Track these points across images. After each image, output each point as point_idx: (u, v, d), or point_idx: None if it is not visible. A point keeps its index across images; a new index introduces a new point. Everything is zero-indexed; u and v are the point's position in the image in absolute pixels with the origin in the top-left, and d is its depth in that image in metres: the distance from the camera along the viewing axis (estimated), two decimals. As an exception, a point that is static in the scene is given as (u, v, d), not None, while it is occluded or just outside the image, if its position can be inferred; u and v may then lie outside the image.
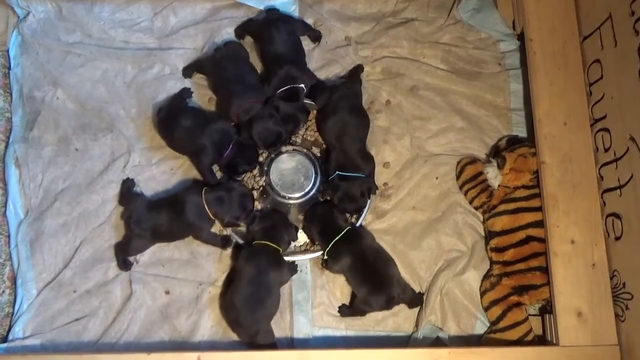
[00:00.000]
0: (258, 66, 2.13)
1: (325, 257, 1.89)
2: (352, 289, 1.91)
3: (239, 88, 1.96)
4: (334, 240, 1.87)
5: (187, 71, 2.12)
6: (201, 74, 2.12)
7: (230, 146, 1.91)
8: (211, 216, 1.86)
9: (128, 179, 2.00)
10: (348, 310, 1.93)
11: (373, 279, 1.84)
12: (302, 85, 2.00)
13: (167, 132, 1.99)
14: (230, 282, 1.89)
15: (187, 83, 2.12)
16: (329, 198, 1.99)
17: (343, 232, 1.88)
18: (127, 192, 1.97)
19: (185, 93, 2.06)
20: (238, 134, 1.96)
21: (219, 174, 2.00)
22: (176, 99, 2.04)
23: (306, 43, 2.17)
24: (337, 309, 1.94)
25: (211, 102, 2.11)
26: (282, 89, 1.98)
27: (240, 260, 1.84)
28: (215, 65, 2.04)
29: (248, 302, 1.79)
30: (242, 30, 2.15)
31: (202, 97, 2.12)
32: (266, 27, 2.05)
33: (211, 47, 2.14)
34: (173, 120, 1.95)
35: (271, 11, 2.11)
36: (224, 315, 1.88)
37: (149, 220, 1.86)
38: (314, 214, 1.95)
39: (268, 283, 1.81)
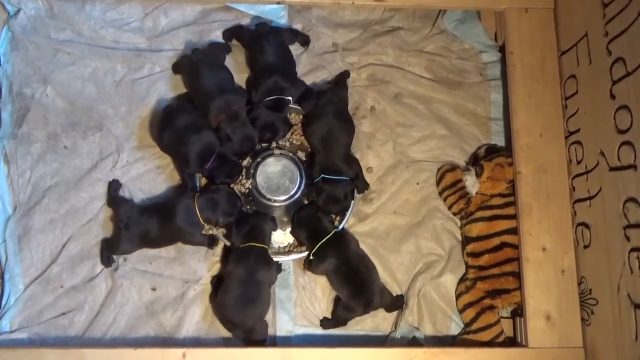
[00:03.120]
0: (244, 72, 2.20)
1: (311, 257, 1.97)
2: (335, 291, 2.00)
3: (218, 93, 1.99)
4: (321, 242, 1.95)
5: (175, 68, 2.17)
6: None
7: (213, 158, 1.95)
8: (202, 222, 1.93)
9: (114, 180, 2.04)
10: (330, 322, 2.01)
11: (355, 283, 1.93)
12: (289, 98, 2.06)
13: (159, 131, 2.04)
14: (218, 284, 1.95)
15: (175, 85, 2.18)
16: (313, 200, 2.06)
17: (330, 235, 1.97)
18: (114, 194, 2.02)
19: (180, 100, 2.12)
20: (220, 141, 2.01)
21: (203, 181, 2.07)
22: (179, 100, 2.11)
23: (295, 48, 2.23)
24: (319, 323, 2.02)
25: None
26: (268, 98, 2.04)
27: (230, 264, 1.92)
28: (191, 68, 2.07)
29: (240, 302, 1.86)
30: (231, 34, 2.21)
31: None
32: (257, 39, 2.12)
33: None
34: (167, 120, 2.01)
35: (261, 25, 2.16)
36: (217, 315, 1.95)
37: (139, 226, 1.91)
38: (300, 219, 2.02)
39: (259, 282, 1.88)
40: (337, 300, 2.03)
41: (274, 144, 2.15)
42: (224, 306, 1.90)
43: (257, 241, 1.94)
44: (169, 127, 2.00)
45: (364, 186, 2.10)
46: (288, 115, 2.16)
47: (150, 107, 2.16)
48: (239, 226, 1.96)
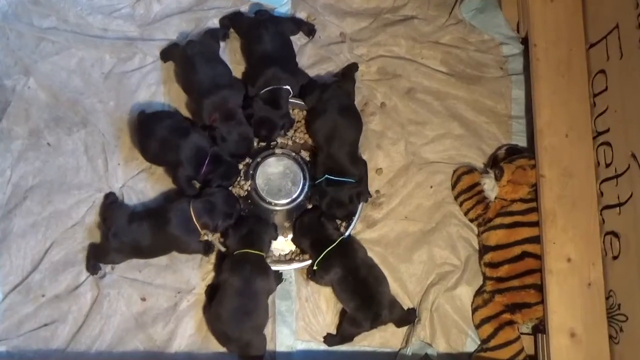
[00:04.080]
0: (240, 63, 2.16)
1: (315, 267, 1.93)
2: (341, 303, 1.96)
3: (214, 89, 1.97)
4: (326, 251, 1.91)
5: (163, 56, 2.14)
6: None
7: (207, 161, 1.92)
8: (199, 228, 1.89)
9: (110, 193, 2.02)
10: (335, 338, 1.98)
11: (362, 295, 1.89)
12: (288, 87, 2.02)
13: (142, 142, 2.00)
14: (213, 294, 1.92)
15: (167, 77, 2.14)
16: (316, 204, 2.02)
17: (335, 243, 1.92)
18: (108, 202, 1.99)
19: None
20: (214, 141, 1.97)
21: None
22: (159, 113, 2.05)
23: (298, 37, 2.20)
24: (323, 339, 1.99)
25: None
26: (265, 89, 2.00)
27: (225, 273, 1.88)
28: (186, 62, 2.04)
29: (236, 314, 1.83)
30: (229, 21, 2.17)
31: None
32: (255, 26, 2.08)
33: (192, 37, 2.14)
34: (148, 131, 1.96)
35: (261, 12, 2.14)
36: (211, 328, 1.92)
37: (129, 234, 1.88)
38: (302, 225, 1.98)
39: (255, 293, 1.85)
40: (343, 314, 1.99)
41: (273, 143, 2.11)
42: (219, 319, 1.86)
43: (254, 248, 1.90)
44: (151, 136, 1.95)
45: (365, 194, 2.04)
46: (290, 111, 2.11)
47: (142, 102, 2.13)
48: (237, 229, 1.93)
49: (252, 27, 2.10)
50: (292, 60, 2.12)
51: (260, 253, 1.91)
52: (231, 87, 2.02)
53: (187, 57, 2.03)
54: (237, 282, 1.85)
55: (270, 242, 1.97)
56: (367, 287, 1.90)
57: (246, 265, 1.87)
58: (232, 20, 2.18)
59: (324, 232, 1.95)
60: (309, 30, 2.22)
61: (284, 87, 2.02)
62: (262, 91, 2.01)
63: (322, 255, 1.91)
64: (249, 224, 1.94)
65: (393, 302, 1.96)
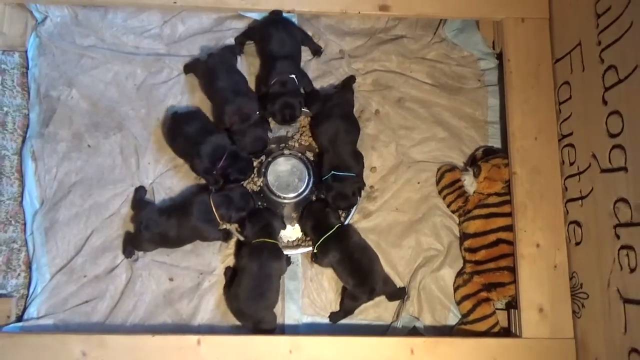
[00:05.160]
0: (255, 68, 2.18)
1: (315, 251, 1.95)
2: (341, 282, 1.98)
3: (232, 95, 1.99)
4: (324, 237, 1.94)
5: (187, 69, 2.16)
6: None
7: (224, 157, 1.94)
8: (218, 218, 1.91)
9: (140, 187, 2.04)
10: (338, 314, 2.00)
11: (359, 273, 1.92)
12: (293, 76, 2.03)
13: (171, 138, 2.03)
14: (232, 276, 1.95)
15: (192, 88, 2.16)
16: (323, 196, 2.04)
17: (333, 230, 1.95)
18: (139, 197, 2.01)
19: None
20: (232, 140, 2.00)
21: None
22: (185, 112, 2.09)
23: (304, 54, 2.21)
24: (329, 317, 2.00)
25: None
26: (275, 81, 2.02)
27: (244, 259, 1.90)
28: (208, 72, 2.06)
29: (252, 295, 1.86)
30: (243, 36, 2.18)
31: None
32: (268, 24, 2.09)
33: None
34: (177, 127, 2.00)
35: (275, 11, 2.12)
36: (229, 306, 1.94)
37: (158, 226, 1.90)
38: (309, 211, 2.01)
39: (270, 275, 1.88)
40: (344, 292, 2.01)
41: (282, 144, 2.13)
42: (237, 298, 1.89)
43: (270, 237, 1.92)
44: (180, 133, 1.98)
45: (362, 184, 2.05)
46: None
47: (168, 109, 2.16)
48: (253, 222, 1.94)
49: (265, 25, 2.10)
50: (299, 58, 2.12)
51: (275, 242, 1.93)
52: (247, 95, 2.04)
53: (209, 68, 2.05)
54: (254, 267, 1.87)
55: (279, 232, 1.99)
56: (362, 266, 1.92)
57: (263, 252, 1.89)
58: (246, 33, 2.18)
59: (326, 219, 1.97)
60: (315, 50, 2.22)
61: (290, 76, 2.03)
62: (274, 81, 2.02)
63: (320, 240, 1.94)
64: (265, 218, 1.95)
65: (386, 279, 1.99)
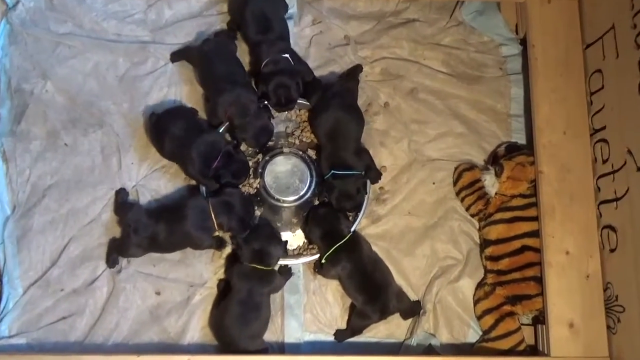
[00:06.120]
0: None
1: (324, 261, 1.94)
2: (349, 297, 1.97)
3: (229, 86, 1.99)
4: (336, 246, 1.91)
5: (175, 57, 2.16)
6: (190, 64, 2.16)
7: (219, 158, 1.93)
8: (216, 227, 1.90)
9: (121, 189, 2.04)
10: (345, 333, 1.99)
11: (370, 289, 1.90)
12: (287, 55, 2.04)
13: (157, 141, 2.02)
14: (224, 291, 1.95)
15: (179, 79, 2.16)
16: (326, 200, 2.02)
17: (345, 239, 1.92)
18: (122, 201, 2.01)
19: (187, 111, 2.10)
20: (233, 138, 2.01)
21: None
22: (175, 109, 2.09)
23: (304, 42, 2.22)
24: (334, 335, 1.99)
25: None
26: (267, 62, 2.03)
27: (234, 276, 1.90)
28: (203, 59, 2.06)
29: (236, 323, 1.86)
30: (232, 21, 2.19)
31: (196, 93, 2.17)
32: (243, 4, 2.11)
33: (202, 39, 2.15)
34: (164, 129, 1.99)
35: None
36: (212, 330, 1.95)
37: (147, 229, 1.89)
38: (317, 216, 1.98)
39: (258, 304, 1.88)
40: (352, 308, 2.00)
41: (281, 141, 2.13)
42: (220, 325, 1.90)
43: (263, 264, 1.90)
44: (167, 134, 1.97)
45: (377, 176, 2.05)
46: (297, 111, 2.15)
47: (154, 104, 2.15)
48: (249, 243, 1.91)
49: (240, 5, 2.12)
50: (287, 37, 2.14)
51: (269, 269, 1.91)
52: (246, 86, 2.04)
53: (204, 54, 2.05)
54: (242, 291, 1.87)
55: (278, 260, 1.94)
56: (374, 281, 1.91)
57: (253, 278, 1.88)
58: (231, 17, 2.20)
59: (337, 226, 1.95)
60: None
61: (283, 55, 2.04)
62: (264, 64, 2.02)
63: (331, 250, 1.92)
64: (262, 238, 1.92)
65: (400, 294, 1.98)
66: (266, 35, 2.07)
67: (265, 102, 2.04)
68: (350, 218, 2.05)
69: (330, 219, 1.97)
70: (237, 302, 1.86)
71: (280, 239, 1.97)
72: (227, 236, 2.01)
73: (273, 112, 2.09)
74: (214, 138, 1.97)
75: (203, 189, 2.00)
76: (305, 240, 2.07)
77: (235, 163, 1.98)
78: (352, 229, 2.01)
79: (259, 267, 1.89)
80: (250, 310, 1.86)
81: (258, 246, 1.90)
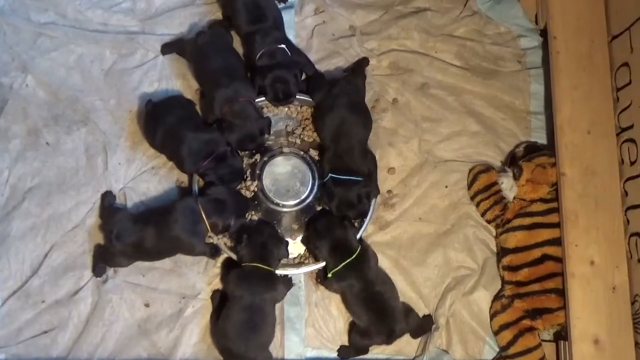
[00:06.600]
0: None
1: (330, 275, 1.91)
2: (351, 315, 1.94)
3: (226, 80, 1.99)
4: (346, 262, 1.88)
5: (166, 49, 2.16)
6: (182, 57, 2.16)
7: (210, 158, 1.93)
8: (209, 228, 1.88)
9: (107, 192, 2.03)
10: (349, 351, 1.97)
11: (376, 310, 1.88)
12: (283, 46, 2.04)
13: (150, 129, 2.01)
14: (221, 303, 1.92)
15: (171, 73, 2.15)
16: (326, 207, 2.01)
17: (356, 255, 1.89)
18: (107, 204, 1.99)
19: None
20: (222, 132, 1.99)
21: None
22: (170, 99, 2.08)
23: (305, 33, 2.21)
24: (337, 352, 1.98)
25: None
26: (263, 52, 2.02)
27: (231, 284, 1.88)
28: (197, 53, 2.06)
29: (242, 331, 1.83)
30: (225, 18, 2.19)
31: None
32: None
33: (196, 31, 2.14)
34: (159, 117, 1.98)
35: None
36: (215, 343, 1.92)
37: (132, 235, 1.87)
38: (324, 226, 1.94)
39: (263, 306, 1.85)
40: (352, 325, 1.98)
41: (281, 140, 2.12)
42: (225, 335, 1.86)
43: (264, 263, 1.88)
44: (162, 123, 1.97)
45: (374, 190, 2.02)
46: (298, 108, 2.14)
47: (143, 99, 2.12)
48: (251, 237, 1.90)
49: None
50: (281, 25, 2.14)
51: (269, 268, 1.90)
52: (245, 81, 2.03)
53: (198, 49, 2.05)
54: (244, 296, 1.84)
55: (279, 260, 1.94)
56: (384, 302, 1.89)
57: (254, 280, 1.86)
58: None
59: (346, 239, 1.92)
60: None
61: (278, 46, 2.03)
62: (259, 56, 2.02)
63: (341, 266, 1.88)
64: (264, 236, 1.91)
65: (408, 312, 1.96)
66: (259, 24, 2.07)
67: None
68: (356, 224, 2.03)
69: (337, 230, 1.93)
70: (241, 309, 1.84)
71: (282, 239, 1.96)
72: (222, 243, 1.99)
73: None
74: (210, 136, 1.96)
75: (195, 188, 1.99)
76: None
77: (225, 167, 1.96)
78: (358, 236, 1.99)
79: (260, 266, 1.86)
80: (256, 315, 1.84)
81: (260, 244, 1.89)
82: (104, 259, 1.95)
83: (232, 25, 2.16)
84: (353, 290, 1.89)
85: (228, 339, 1.85)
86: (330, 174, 1.96)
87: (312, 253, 2.01)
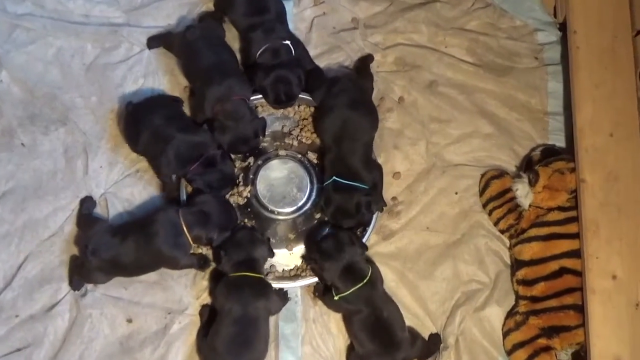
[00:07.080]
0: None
1: (336, 298, 1.88)
2: (353, 340, 1.92)
3: (218, 77, 1.98)
4: (357, 287, 1.84)
5: (152, 42, 2.16)
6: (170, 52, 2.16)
7: (198, 162, 1.92)
8: (191, 241, 1.87)
9: (87, 197, 2.01)
10: None
11: (382, 338, 1.86)
12: (287, 42, 2.02)
13: (132, 132, 2.00)
14: (210, 318, 1.91)
15: (158, 68, 2.15)
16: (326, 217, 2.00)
17: (367, 279, 1.86)
18: (87, 213, 1.98)
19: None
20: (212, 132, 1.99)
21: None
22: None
23: (304, 26, 2.22)
24: None
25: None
26: (264, 49, 2.01)
27: (219, 297, 1.86)
28: (187, 47, 2.05)
29: (232, 346, 1.81)
30: (217, 9, 2.19)
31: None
32: None
33: (185, 24, 2.15)
34: (142, 118, 1.97)
35: None
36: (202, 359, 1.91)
37: (109, 250, 1.86)
38: (335, 248, 1.88)
39: (255, 319, 1.83)
40: (350, 350, 1.97)
41: (277, 142, 2.11)
42: (214, 351, 1.83)
43: (253, 271, 1.87)
44: (145, 125, 1.95)
45: (379, 203, 2.00)
46: (296, 107, 2.13)
47: (127, 97, 2.12)
48: (230, 249, 1.88)
49: None
50: (285, 16, 2.15)
51: (260, 275, 1.88)
52: (238, 78, 2.02)
53: (188, 44, 2.04)
54: (233, 308, 1.83)
55: (265, 260, 1.94)
56: (390, 330, 1.86)
57: (244, 289, 1.84)
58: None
59: (357, 259, 1.88)
60: None
61: (283, 42, 2.02)
62: (260, 52, 2.01)
63: (351, 291, 1.85)
64: (243, 246, 1.89)
65: (414, 336, 1.93)
66: (260, 17, 2.07)
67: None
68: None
69: (348, 252, 1.87)
70: (231, 322, 1.82)
71: (262, 239, 1.94)
72: (210, 253, 1.98)
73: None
74: (200, 139, 1.95)
75: (183, 195, 1.99)
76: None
77: (215, 173, 1.94)
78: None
79: (248, 274, 1.86)
80: (248, 329, 1.82)
81: (242, 256, 1.88)
82: (80, 273, 1.94)
83: (229, 18, 2.15)
84: (360, 315, 1.86)
85: (217, 355, 1.83)
86: (334, 177, 1.94)
87: (317, 274, 1.96)
